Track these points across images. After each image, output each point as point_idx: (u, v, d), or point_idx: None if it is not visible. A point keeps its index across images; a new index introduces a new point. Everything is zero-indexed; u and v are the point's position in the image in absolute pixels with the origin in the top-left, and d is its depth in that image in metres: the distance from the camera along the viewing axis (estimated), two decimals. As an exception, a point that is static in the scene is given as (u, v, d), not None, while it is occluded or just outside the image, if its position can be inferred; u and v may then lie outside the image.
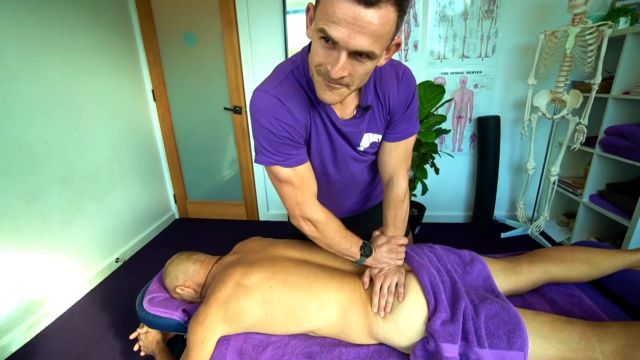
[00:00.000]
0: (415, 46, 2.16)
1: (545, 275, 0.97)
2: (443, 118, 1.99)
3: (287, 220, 1.16)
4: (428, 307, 0.83)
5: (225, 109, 2.50)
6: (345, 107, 0.79)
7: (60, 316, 1.74)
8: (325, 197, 0.93)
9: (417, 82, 1.86)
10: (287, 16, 2.19)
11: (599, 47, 1.64)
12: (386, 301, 0.85)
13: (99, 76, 2.03)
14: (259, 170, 2.61)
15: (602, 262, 0.97)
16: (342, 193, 0.99)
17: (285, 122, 0.72)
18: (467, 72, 2.18)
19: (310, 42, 0.65)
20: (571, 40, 1.69)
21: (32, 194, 1.61)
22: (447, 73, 2.20)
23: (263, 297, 0.86)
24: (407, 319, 0.83)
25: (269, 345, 0.88)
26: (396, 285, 0.87)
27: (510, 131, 2.29)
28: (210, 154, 2.70)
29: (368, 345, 0.88)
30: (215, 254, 1.12)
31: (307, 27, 0.63)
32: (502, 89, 2.20)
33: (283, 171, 0.78)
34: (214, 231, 2.64)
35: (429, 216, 2.48)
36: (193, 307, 1.04)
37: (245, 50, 2.30)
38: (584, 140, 1.78)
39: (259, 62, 2.33)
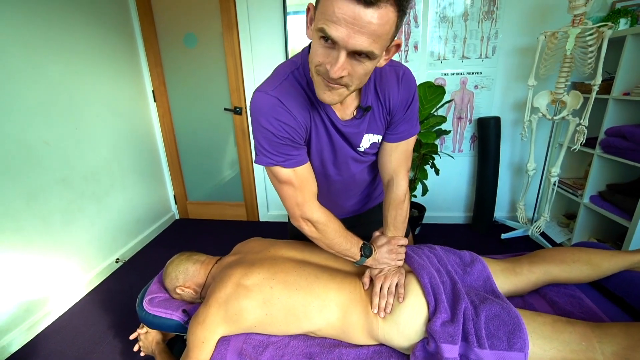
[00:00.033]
0: (416, 47, 2.17)
1: (545, 276, 0.97)
2: (443, 119, 1.99)
3: (287, 220, 1.16)
4: (428, 308, 0.83)
5: (225, 109, 2.50)
6: (346, 108, 0.79)
7: (60, 316, 1.74)
8: (326, 197, 0.93)
9: (418, 83, 1.86)
10: (288, 17, 2.19)
11: (599, 48, 1.64)
12: (386, 302, 0.85)
13: (100, 77, 2.04)
14: (259, 170, 2.61)
15: (603, 263, 0.97)
16: (342, 194, 0.99)
17: (285, 123, 0.72)
18: (468, 73, 2.19)
19: (311, 43, 0.65)
20: (571, 41, 1.69)
21: (33, 194, 1.61)
22: (447, 74, 2.21)
23: (263, 298, 0.86)
24: (407, 320, 0.83)
25: (269, 346, 0.88)
26: (396, 285, 0.87)
27: (511, 132, 2.29)
28: (210, 155, 2.70)
29: (368, 345, 0.88)
30: (216, 255, 1.12)
31: (307, 27, 0.63)
32: (503, 90, 2.20)
33: (283, 172, 0.78)
34: (214, 232, 2.64)
35: (429, 217, 2.48)
36: (193, 307, 1.04)
37: (245, 51, 2.31)
38: (584, 141, 1.78)
39: (259, 63, 2.33)
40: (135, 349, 1.13)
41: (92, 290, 1.95)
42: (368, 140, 0.85)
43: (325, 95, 0.65)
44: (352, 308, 0.87)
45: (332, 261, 0.99)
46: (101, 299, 1.86)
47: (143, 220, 2.46)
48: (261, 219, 2.79)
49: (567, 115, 1.83)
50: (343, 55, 0.57)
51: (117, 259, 2.15)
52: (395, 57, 2.13)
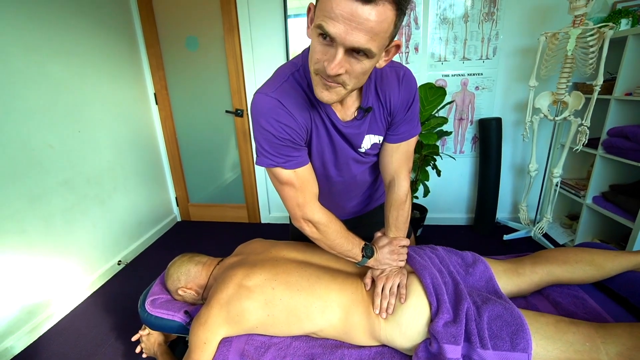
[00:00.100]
0: (416, 49, 2.17)
1: (548, 276, 0.97)
2: (444, 120, 1.99)
3: (288, 222, 1.16)
4: (430, 309, 0.83)
5: (226, 112, 2.51)
6: (346, 109, 0.79)
7: (62, 319, 1.74)
8: (327, 199, 0.93)
9: (418, 85, 1.86)
10: (288, 20, 2.20)
11: (601, 49, 1.64)
12: (388, 302, 0.84)
13: (102, 80, 2.05)
14: (260, 172, 2.62)
15: (606, 264, 0.96)
16: (343, 195, 0.99)
17: (285, 124, 0.72)
18: (468, 74, 2.19)
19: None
20: (572, 42, 1.69)
21: (36, 196, 1.62)
22: (448, 75, 2.21)
23: (265, 299, 0.86)
24: (409, 320, 0.83)
25: (270, 347, 0.87)
26: (398, 286, 0.87)
27: (512, 133, 2.28)
28: (212, 157, 2.71)
29: (370, 346, 0.88)
30: (217, 257, 1.12)
31: (308, 27, 0.64)
32: (504, 91, 2.20)
33: (284, 173, 0.78)
34: (215, 234, 2.64)
35: (431, 218, 2.47)
36: (195, 308, 1.04)
37: (246, 54, 2.32)
38: (586, 141, 1.78)
39: (260, 65, 2.34)
40: (138, 350, 1.13)
41: (94, 292, 1.95)
42: (369, 141, 0.85)
43: (323, 94, 0.65)
44: (354, 309, 0.87)
45: (333, 262, 0.99)
46: (103, 301, 1.86)
47: (145, 223, 2.47)
48: (263, 221, 2.79)
49: (569, 115, 1.82)
50: (341, 52, 0.57)
51: (119, 261, 2.16)
52: (396, 59, 2.14)
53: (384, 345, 0.88)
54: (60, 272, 1.75)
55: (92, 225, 1.96)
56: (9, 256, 1.50)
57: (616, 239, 1.96)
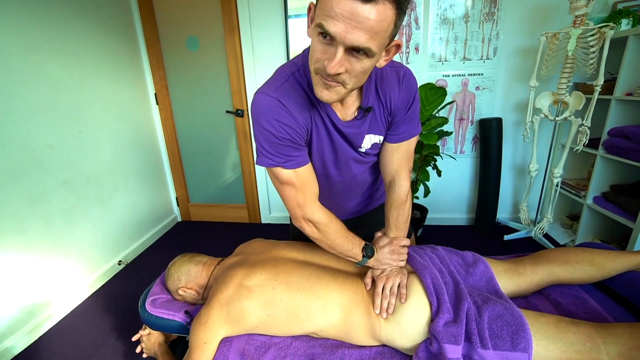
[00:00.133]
0: (417, 49, 2.17)
1: (549, 276, 0.97)
2: (445, 120, 1.99)
3: (289, 222, 1.16)
4: (431, 308, 0.83)
5: (227, 112, 2.51)
6: (347, 109, 0.79)
7: (62, 319, 1.74)
8: (327, 198, 0.93)
9: (419, 85, 1.86)
10: (289, 20, 2.20)
11: (601, 49, 1.64)
12: (388, 302, 0.84)
13: (103, 80, 2.05)
14: (261, 173, 2.62)
15: (607, 264, 0.96)
16: (344, 195, 0.99)
17: (286, 124, 0.72)
18: (469, 75, 2.19)
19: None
20: (573, 42, 1.69)
21: (36, 196, 1.62)
22: (448, 75, 2.21)
23: (265, 298, 0.86)
24: (410, 320, 0.83)
25: (271, 347, 0.87)
26: (398, 286, 0.87)
27: (513, 133, 2.28)
28: (212, 157, 2.71)
29: (371, 346, 0.88)
30: (218, 257, 1.12)
31: (308, 26, 0.64)
32: (504, 91, 2.20)
33: (284, 173, 0.78)
34: (216, 234, 2.64)
35: (432, 218, 2.47)
36: (195, 308, 1.04)
37: (247, 54, 2.32)
38: (586, 141, 1.77)
39: (260, 65, 2.34)
40: (138, 350, 1.13)
41: (94, 292, 1.95)
42: (369, 140, 0.85)
43: (323, 93, 0.65)
44: (354, 309, 0.87)
45: (334, 262, 0.99)
46: (104, 301, 1.86)
47: (145, 223, 2.47)
48: (263, 221, 2.79)
49: (570, 116, 1.82)
50: (341, 51, 0.57)
51: (120, 261, 2.16)
52: (397, 59, 2.14)
53: (384, 345, 0.88)
54: (60, 272, 1.75)
55: (92, 225, 1.97)
56: (9, 256, 1.50)
57: (617, 239, 1.96)
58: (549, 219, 2.06)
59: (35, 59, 1.62)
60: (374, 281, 0.91)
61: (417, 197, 2.23)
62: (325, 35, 0.57)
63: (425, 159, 2.10)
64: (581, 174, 2.26)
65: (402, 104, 0.81)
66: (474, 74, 2.18)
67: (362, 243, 0.91)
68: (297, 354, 0.86)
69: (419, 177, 2.13)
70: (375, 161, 0.94)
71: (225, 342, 0.89)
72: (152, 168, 2.56)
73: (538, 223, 2.15)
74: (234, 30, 2.27)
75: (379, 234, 0.99)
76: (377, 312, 0.84)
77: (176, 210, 2.87)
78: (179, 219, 2.90)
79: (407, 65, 2.07)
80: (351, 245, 0.88)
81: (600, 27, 1.62)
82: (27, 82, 1.58)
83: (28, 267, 1.58)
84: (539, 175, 2.15)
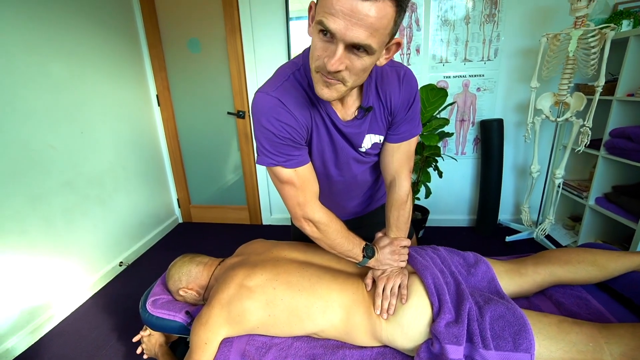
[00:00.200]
0: (418, 50, 2.17)
1: (550, 277, 0.96)
2: (446, 121, 1.99)
3: (290, 224, 1.16)
4: (432, 309, 0.82)
5: (228, 113, 2.52)
6: (347, 108, 0.79)
7: (63, 320, 1.74)
8: (328, 198, 0.93)
9: (420, 86, 1.86)
10: (290, 22, 2.21)
11: (602, 50, 1.64)
12: (389, 303, 0.84)
13: (105, 81, 2.06)
14: (262, 174, 2.62)
15: (609, 264, 0.95)
16: (344, 195, 0.99)
17: (286, 123, 0.72)
18: (470, 76, 2.19)
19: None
20: (574, 43, 1.69)
21: (38, 197, 1.62)
22: (449, 77, 2.21)
23: (266, 299, 0.86)
24: (411, 321, 0.82)
25: (272, 347, 0.87)
26: (399, 287, 0.87)
27: (514, 134, 2.28)
28: (213, 159, 2.72)
29: (372, 347, 0.88)
30: (219, 258, 1.12)
31: (309, 25, 0.64)
32: (505, 92, 2.20)
33: (284, 172, 0.78)
34: (217, 235, 2.64)
35: (433, 220, 2.47)
36: (196, 309, 1.04)
37: (248, 56, 2.33)
38: (588, 142, 1.77)
39: (262, 67, 2.35)
40: (139, 351, 1.12)
41: (95, 293, 1.95)
42: (369, 140, 0.85)
43: (324, 91, 0.65)
44: (355, 309, 0.86)
45: (334, 262, 0.99)
46: (105, 302, 1.86)
47: (146, 224, 2.47)
48: (264, 222, 2.79)
49: (571, 116, 1.82)
50: (341, 48, 0.57)
51: (121, 262, 2.16)
52: (397, 60, 2.14)
53: (385, 346, 0.87)
54: (61, 273, 1.75)
55: (93, 226, 1.97)
56: (10, 257, 1.50)
57: (619, 240, 1.95)
58: (551, 220, 2.06)
59: (36, 60, 1.62)
60: (374, 282, 0.90)
61: (418, 199, 2.23)
62: (325, 32, 0.57)
63: (426, 160, 2.10)
64: (583, 175, 2.25)
65: (403, 103, 0.81)
66: (475, 75, 2.18)
67: (363, 243, 0.90)
68: (298, 355, 0.85)
69: (420, 178, 2.13)
70: (376, 161, 0.94)
71: (226, 342, 0.88)
72: (154, 169, 2.57)
73: (540, 224, 2.15)
74: (236, 32, 2.28)
75: (379, 234, 0.99)
76: (378, 312, 0.84)
77: (177, 211, 2.87)
78: (180, 221, 2.91)
79: (408, 67, 2.08)
80: (351, 245, 0.88)
81: (601, 28, 1.62)
82: (28, 83, 1.58)
83: (29, 268, 1.58)
84: (540, 177, 2.14)
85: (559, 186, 1.98)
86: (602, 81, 1.66)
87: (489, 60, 2.14)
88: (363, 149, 0.86)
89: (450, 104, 2.19)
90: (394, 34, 0.61)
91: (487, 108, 2.24)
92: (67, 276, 1.79)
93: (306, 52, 0.74)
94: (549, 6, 1.99)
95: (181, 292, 1.04)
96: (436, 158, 2.10)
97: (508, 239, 2.21)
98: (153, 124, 2.56)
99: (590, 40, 1.65)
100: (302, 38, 2.25)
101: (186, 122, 2.63)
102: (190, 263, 1.07)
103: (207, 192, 2.84)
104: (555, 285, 0.99)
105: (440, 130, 2.07)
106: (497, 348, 0.73)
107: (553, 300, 0.97)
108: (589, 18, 1.76)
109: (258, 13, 2.23)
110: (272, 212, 2.75)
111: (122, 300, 1.87)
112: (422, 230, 2.36)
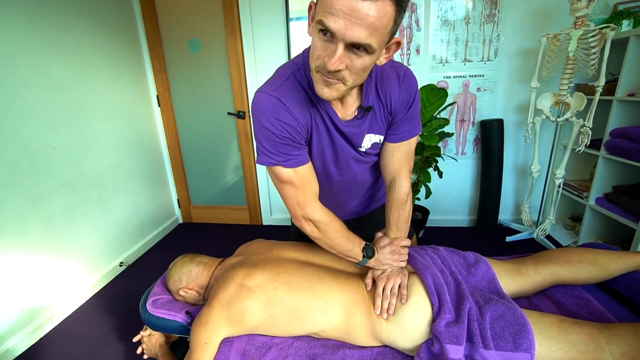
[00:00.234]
0: (418, 50, 2.18)
1: (551, 277, 0.96)
2: (446, 121, 1.99)
3: (290, 224, 1.16)
4: (432, 309, 0.82)
5: (228, 114, 2.52)
6: (347, 108, 0.79)
7: (64, 320, 1.74)
8: (328, 198, 0.93)
9: (420, 86, 1.86)
10: (290, 23, 2.21)
11: (602, 50, 1.64)
12: (389, 303, 0.84)
13: (105, 82, 2.07)
14: (262, 174, 2.62)
15: (610, 264, 0.95)
16: (344, 194, 0.99)
17: (286, 123, 0.73)
18: (470, 76, 2.19)
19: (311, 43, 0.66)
20: (574, 43, 1.69)
21: (38, 197, 1.62)
22: (449, 77, 2.21)
23: (266, 299, 0.86)
24: (411, 321, 0.82)
25: (272, 347, 0.87)
26: (399, 286, 0.87)
27: (514, 134, 2.28)
28: (214, 159, 2.72)
29: (372, 347, 0.88)
30: (219, 258, 1.12)
31: (309, 25, 0.64)
32: (505, 92, 2.20)
33: (284, 171, 0.78)
34: (217, 235, 2.64)
35: (433, 220, 2.47)
36: (196, 309, 1.04)
37: (248, 56, 2.33)
38: (588, 142, 1.77)
39: (262, 67, 2.35)
40: (139, 351, 1.12)
41: (96, 293, 1.95)
42: (369, 140, 0.85)
43: (324, 90, 0.65)
44: (355, 309, 0.86)
45: (335, 262, 0.99)
46: (105, 303, 1.86)
47: (147, 224, 2.47)
48: (264, 223, 2.79)
49: (571, 116, 1.82)
50: (341, 48, 0.57)
51: (121, 262, 2.16)
52: (397, 60, 2.14)
53: (385, 346, 0.87)
54: (61, 273, 1.76)
55: (94, 227, 1.97)
56: (10, 257, 1.50)
57: (620, 241, 1.95)
58: (551, 220, 2.05)
59: (37, 60, 1.63)
60: (374, 282, 0.90)
61: (418, 199, 2.23)
62: (325, 32, 0.57)
63: (426, 160, 2.10)
64: (583, 175, 2.25)
65: (402, 103, 0.81)
66: (475, 76, 2.18)
67: (363, 243, 0.90)
68: (298, 355, 0.85)
69: (420, 179, 2.12)
70: (376, 161, 0.94)
71: (226, 342, 0.88)
72: (154, 170, 2.57)
73: (540, 224, 2.14)
74: (236, 32, 2.29)
75: (379, 234, 0.99)
76: (378, 312, 0.84)
77: (177, 212, 2.87)
78: (180, 221, 2.91)
79: (408, 67, 2.08)
80: (351, 245, 0.88)
81: (601, 28, 1.62)
82: (28, 83, 1.59)
83: (29, 268, 1.58)
84: (540, 177, 2.14)
85: (559, 186, 1.98)
86: (602, 81, 1.65)
87: (489, 60, 2.14)
88: (363, 149, 0.86)
89: (451, 104, 2.20)
90: (394, 33, 0.61)
91: (487, 108, 2.24)
92: (68, 276, 1.79)
93: (306, 52, 0.74)
94: (549, 6, 1.99)
95: (181, 292, 1.04)
96: (436, 158, 2.10)
97: (508, 239, 2.21)
98: (153, 125, 2.56)
99: (590, 40, 1.65)
100: (302, 39, 2.25)
101: (186, 122, 2.63)
102: (191, 263, 1.07)
103: (208, 193, 2.84)
104: (555, 285, 0.99)
105: (440, 130, 2.07)
106: (498, 348, 0.72)
107: (553, 300, 0.97)
108: (589, 18, 1.76)
109: (258, 14, 2.24)
110: (273, 213, 2.75)
111: (123, 300, 1.87)
112: (423, 230, 2.36)
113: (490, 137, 2.17)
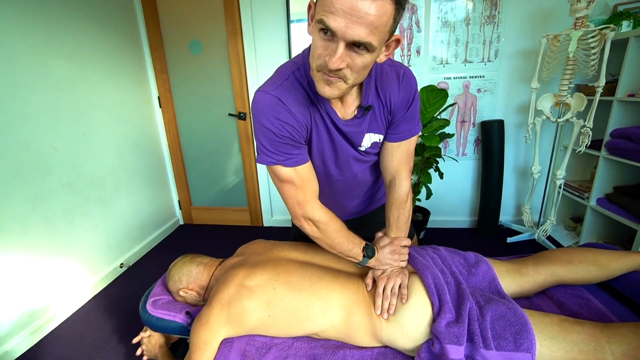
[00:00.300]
0: (418, 52, 2.18)
1: (552, 277, 0.96)
2: (446, 122, 1.99)
3: (290, 225, 1.16)
4: (432, 309, 0.82)
5: (229, 115, 2.53)
6: (347, 107, 0.80)
7: (64, 321, 1.74)
8: (328, 197, 0.93)
9: (420, 87, 1.87)
10: (291, 25, 2.22)
11: (602, 50, 1.64)
12: (389, 303, 0.84)
13: (106, 83, 2.07)
14: (263, 176, 2.62)
15: (611, 264, 0.95)
16: (344, 194, 0.99)
17: (286, 122, 0.73)
18: (470, 77, 2.19)
19: (311, 43, 0.66)
20: (574, 43, 1.69)
21: (39, 198, 1.63)
22: (449, 78, 2.21)
23: (266, 299, 0.86)
24: (411, 321, 0.82)
25: (272, 348, 0.87)
26: (400, 286, 0.86)
27: (515, 135, 2.28)
28: (215, 160, 2.72)
29: (372, 347, 0.87)
30: (219, 258, 1.11)
31: (309, 24, 0.64)
32: (506, 93, 2.20)
33: (284, 171, 0.78)
34: (218, 237, 2.64)
35: (434, 221, 2.46)
36: (196, 309, 1.04)
37: (249, 57, 2.34)
38: (589, 143, 1.77)
39: (263, 69, 2.36)
40: (138, 352, 1.12)
41: (96, 294, 1.95)
42: (369, 139, 0.85)
43: (325, 89, 0.65)
44: (355, 309, 0.86)
45: (335, 262, 0.99)
46: (105, 304, 1.86)
47: (148, 225, 2.47)
48: (265, 224, 2.79)
49: (572, 117, 1.82)
50: (342, 46, 0.57)
51: (122, 263, 2.16)
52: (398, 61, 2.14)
53: (385, 346, 0.87)
54: (62, 274, 1.76)
55: (94, 228, 1.97)
56: (11, 257, 1.50)
57: (621, 241, 1.95)
58: (552, 221, 2.05)
59: (37, 60, 1.63)
60: (375, 282, 0.90)
61: (419, 200, 2.22)
62: (326, 31, 0.57)
63: (427, 161, 2.10)
64: (584, 175, 2.24)
65: (402, 102, 0.81)
66: (476, 77, 2.18)
67: (363, 243, 0.90)
68: (298, 355, 0.85)
69: (421, 180, 2.12)
70: (376, 160, 0.94)
71: (226, 342, 0.88)
72: (155, 171, 2.57)
73: (541, 225, 2.14)
74: (237, 34, 2.29)
75: (379, 234, 0.99)
76: (378, 312, 0.84)
77: (178, 213, 2.88)
78: (181, 222, 2.91)
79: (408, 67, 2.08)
80: (351, 244, 0.88)
81: (601, 29, 1.62)
82: (29, 83, 1.59)
83: (29, 269, 1.59)
84: (541, 177, 2.14)
85: (560, 187, 1.97)
86: (602, 82, 1.66)
87: (489, 61, 2.14)
88: (363, 148, 0.86)
89: (451, 105, 2.19)
90: (394, 31, 0.62)
91: (488, 109, 2.24)
92: (68, 277, 1.79)
93: (306, 52, 0.75)
94: (549, 7, 1.99)
95: (181, 293, 1.04)
96: (437, 159, 2.10)
97: (509, 240, 2.20)
98: (154, 126, 2.56)
99: (590, 41, 1.66)
100: (303, 40, 2.26)
101: (187, 123, 2.63)
102: (191, 263, 1.07)
103: (208, 194, 2.84)
104: (556, 285, 0.99)
105: (440, 131, 2.07)
106: (498, 348, 0.72)
107: (554, 300, 0.96)
108: (589, 19, 1.76)
109: (259, 15, 2.25)
110: (273, 214, 2.75)
111: (123, 301, 1.87)
112: (423, 231, 2.36)
113: (490, 138, 2.17)
